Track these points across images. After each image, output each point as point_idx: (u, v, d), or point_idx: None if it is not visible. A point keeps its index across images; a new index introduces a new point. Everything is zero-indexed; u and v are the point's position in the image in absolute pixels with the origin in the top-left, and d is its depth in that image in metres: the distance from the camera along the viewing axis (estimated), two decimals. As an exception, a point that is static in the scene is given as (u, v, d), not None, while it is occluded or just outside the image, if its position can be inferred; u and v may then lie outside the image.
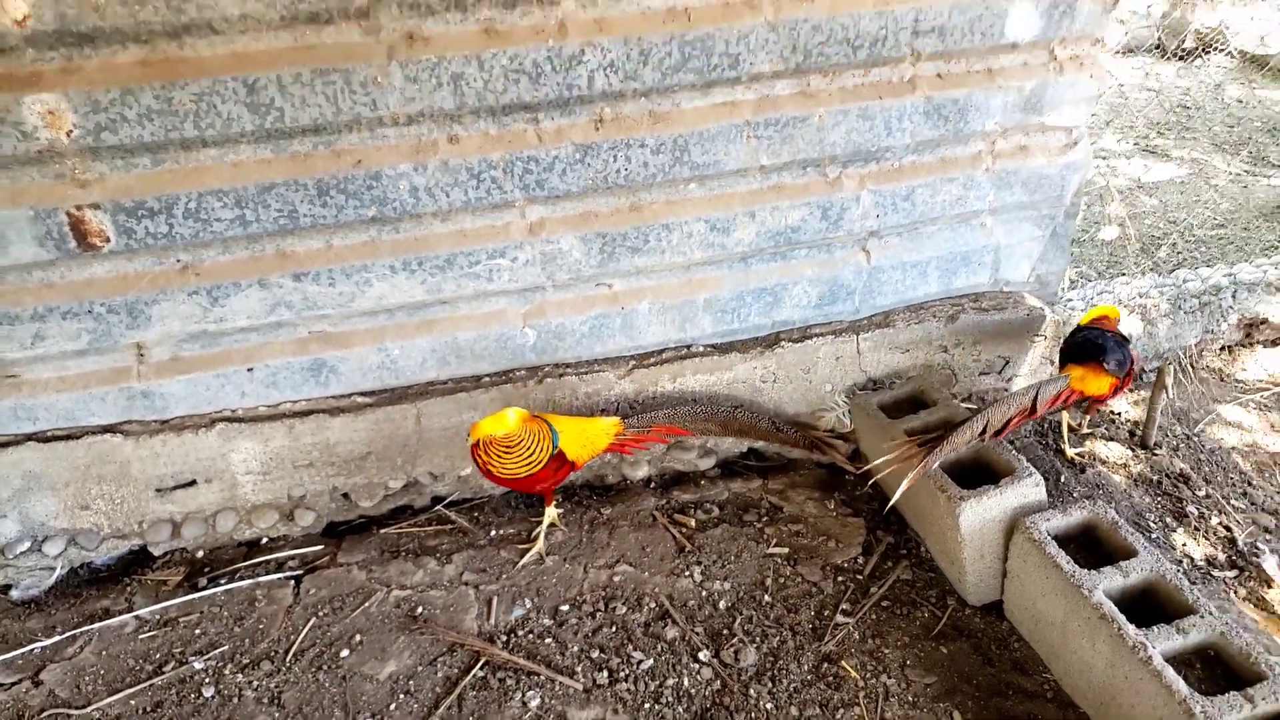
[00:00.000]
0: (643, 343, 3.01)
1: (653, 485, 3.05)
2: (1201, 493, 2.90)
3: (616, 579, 2.64)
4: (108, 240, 2.39)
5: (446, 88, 2.44)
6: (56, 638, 2.46)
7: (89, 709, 2.26)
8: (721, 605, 2.57)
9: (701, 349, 3.06)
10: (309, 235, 2.54)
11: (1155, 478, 2.97)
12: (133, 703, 2.28)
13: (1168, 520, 2.79)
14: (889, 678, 2.35)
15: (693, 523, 2.85)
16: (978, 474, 2.67)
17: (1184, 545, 2.71)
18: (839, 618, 2.52)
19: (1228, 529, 2.77)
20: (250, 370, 2.67)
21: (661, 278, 2.93)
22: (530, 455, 2.46)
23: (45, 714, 2.25)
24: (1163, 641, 2.12)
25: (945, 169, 3.02)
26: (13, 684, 2.33)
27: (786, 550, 2.75)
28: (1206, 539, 2.73)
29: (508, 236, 2.71)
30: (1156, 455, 3.06)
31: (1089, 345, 2.81)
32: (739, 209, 2.88)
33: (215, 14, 2.21)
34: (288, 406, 2.74)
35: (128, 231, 2.39)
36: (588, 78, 2.54)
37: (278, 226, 2.49)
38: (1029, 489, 2.54)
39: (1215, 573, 2.62)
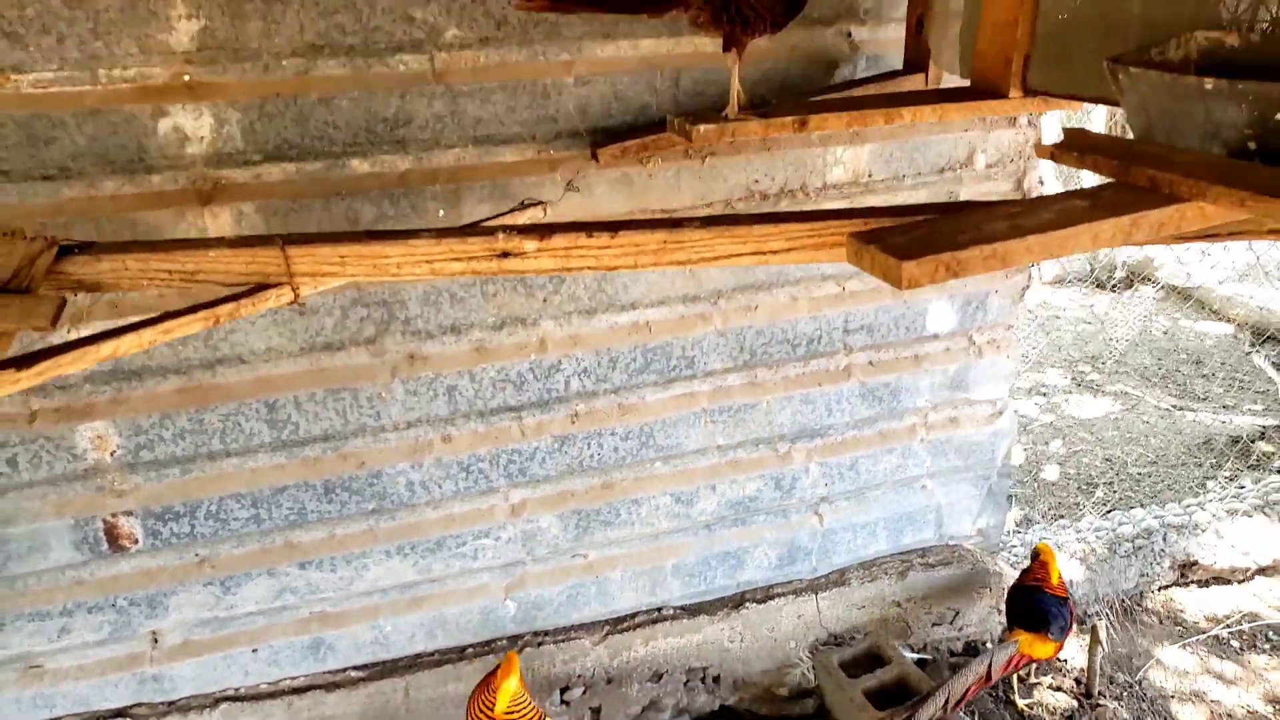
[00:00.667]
0: (616, 608, 3.26)
1: (629, 745, 3.22)
2: (1141, 741, 3.10)
3: None
4: (136, 541, 2.68)
5: (442, 398, 2.82)
6: None
7: None
8: None
9: (672, 611, 3.31)
10: (315, 527, 2.84)
11: (1099, 728, 3.17)
12: None
13: (1111, 773, 2.98)
14: None
15: (666, 787, 3.00)
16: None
17: (1128, 800, 2.89)
18: None
19: (1169, 781, 2.95)
20: (255, 650, 2.90)
21: (632, 546, 3.22)
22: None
23: None
24: None
25: (884, 441, 3.39)
26: None
27: (756, 813, 2.90)
28: (1148, 793, 2.91)
29: (492, 518, 3.02)
30: (1101, 705, 3.27)
31: (1034, 612, 3.09)
32: (701, 483, 3.22)
33: (245, 348, 2.61)
34: (287, 683, 2.94)
35: (154, 533, 2.69)
36: (565, 382, 2.94)
37: (288, 521, 2.80)
38: (975, 750, 2.75)
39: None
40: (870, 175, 3.04)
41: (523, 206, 2.51)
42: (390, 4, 2.45)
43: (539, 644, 3.13)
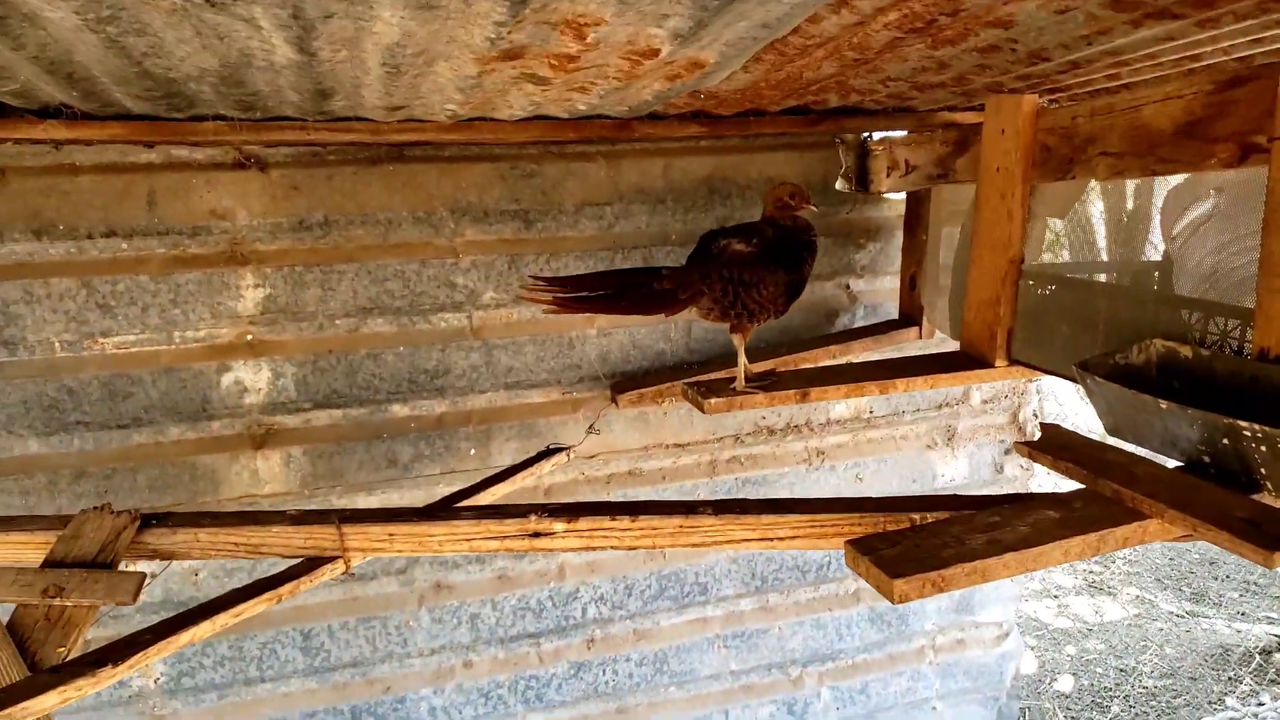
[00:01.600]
0: (630, 835, 3.27)
1: None
2: None
3: None
4: (165, 770, 2.77)
5: (465, 625, 2.95)
6: None
7: None
8: None
9: (685, 839, 3.31)
10: (338, 754, 2.92)
11: None
12: None
13: None
14: None
15: None
16: None
17: None
18: None
19: None
20: None
21: (647, 772, 3.26)
22: None
23: None
24: None
25: (894, 664, 3.47)
26: None
27: None
28: None
29: (510, 744, 3.09)
30: None
31: None
32: (714, 708, 3.28)
33: (284, 579, 2.76)
34: None
35: (184, 760, 2.78)
36: (582, 609, 3.07)
37: (312, 747, 2.89)
38: None
39: None
40: (871, 412, 3.26)
41: (549, 453, 2.70)
42: (435, 273, 2.75)
43: None
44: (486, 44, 1.64)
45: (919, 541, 1.59)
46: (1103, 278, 3.09)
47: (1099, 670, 4.88)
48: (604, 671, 3.13)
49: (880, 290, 3.20)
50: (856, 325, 3.18)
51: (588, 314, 2.71)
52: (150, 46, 1.52)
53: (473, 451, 2.90)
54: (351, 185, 2.66)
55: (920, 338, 3.00)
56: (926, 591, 1.50)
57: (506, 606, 2.99)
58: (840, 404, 3.23)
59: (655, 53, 1.80)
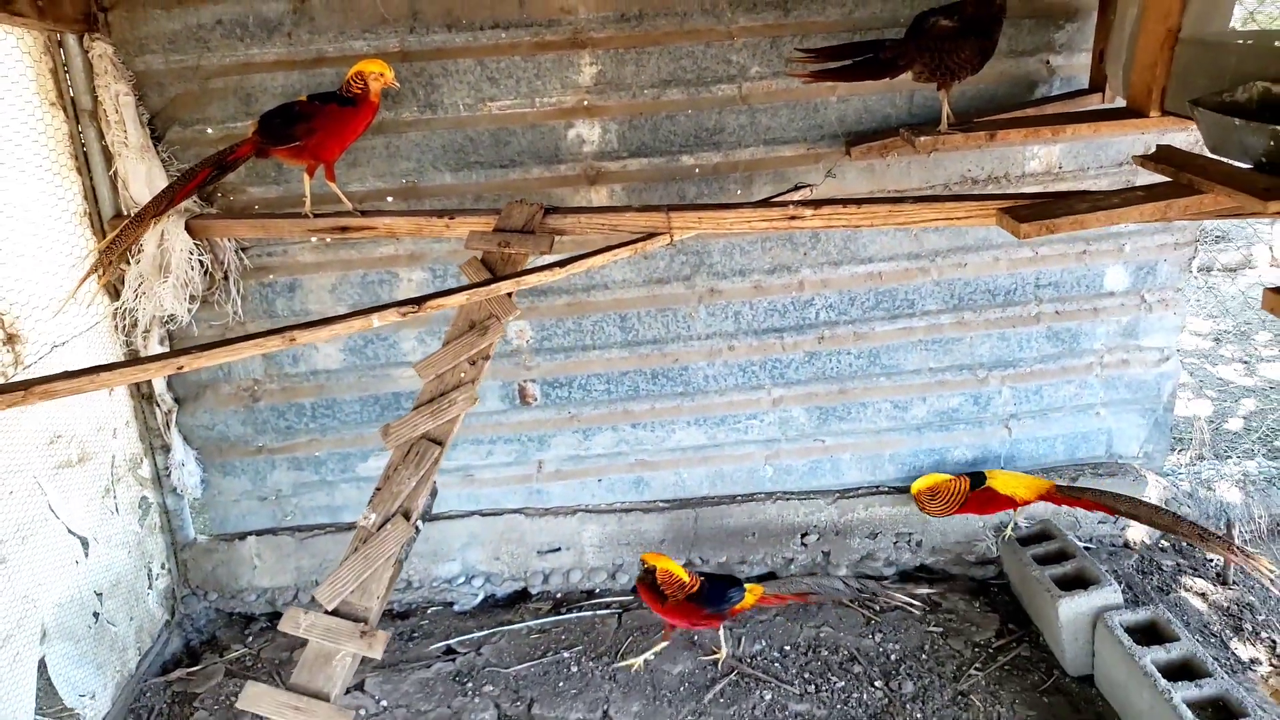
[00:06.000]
0: (845, 481, 4.45)
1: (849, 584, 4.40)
2: (1260, 617, 3.91)
3: (821, 635, 4.01)
4: (535, 400, 4.18)
5: (730, 320, 4.12)
6: (484, 632, 4.14)
7: (508, 671, 3.89)
8: (893, 657, 3.87)
9: (887, 489, 4.45)
10: (643, 401, 4.23)
11: (1225, 604, 4.01)
12: (531, 670, 3.89)
13: (1227, 631, 3.84)
14: (1002, 709, 3.56)
15: (876, 607, 4.17)
16: (1079, 583, 3.86)
17: (1235, 648, 3.75)
18: (972, 672, 3.76)
19: (1274, 642, 3.78)
20: (599, 481, 4.35)
21: (859, 438, 4.38)
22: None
23: (480, 672, 3.89)
24: (1183, 691, 3.24)
25: (1065, 374, 4.35)
26: (465, 653, 4.01)
27: (941, 630, 4.02)
28: (1254, 646, 3.75)
29: (759, 407, 4.29)
30: (1232, 589, 4.09)
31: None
32: (914, 395, 4.32)
33: (610, 278, 4.00)
34: (619, 504, 4.37)
35: (547, 394, 4.18)
36: (816, 314, 4.14)
37: (626, 395, 4.20)
38: (1110, 594, 3.71)
39: (1254, 669, 3.64)
40: (1060, 167, 4.00)
41: (796, 188, 3.71)
42: (716, 52, 3.74)
43: (788, 499, 4.38)
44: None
45: (1045, 208, 2.51)
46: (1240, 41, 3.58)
47: (1272, 417, 5.48)
48: (830, 361, 4.23)
49: (1076, 65, 3.87)
50: (1053, 95, 3.88)
51: (831, 83, 3.59)
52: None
53: (739, 192, 3.95)
54: (658, -12, 3.65)
55: (1103, 102, 3.68)
56: (1041, 233, 2.43)
57: (760, 308, 4.11)
58: (1034, 160, 3.99)
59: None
